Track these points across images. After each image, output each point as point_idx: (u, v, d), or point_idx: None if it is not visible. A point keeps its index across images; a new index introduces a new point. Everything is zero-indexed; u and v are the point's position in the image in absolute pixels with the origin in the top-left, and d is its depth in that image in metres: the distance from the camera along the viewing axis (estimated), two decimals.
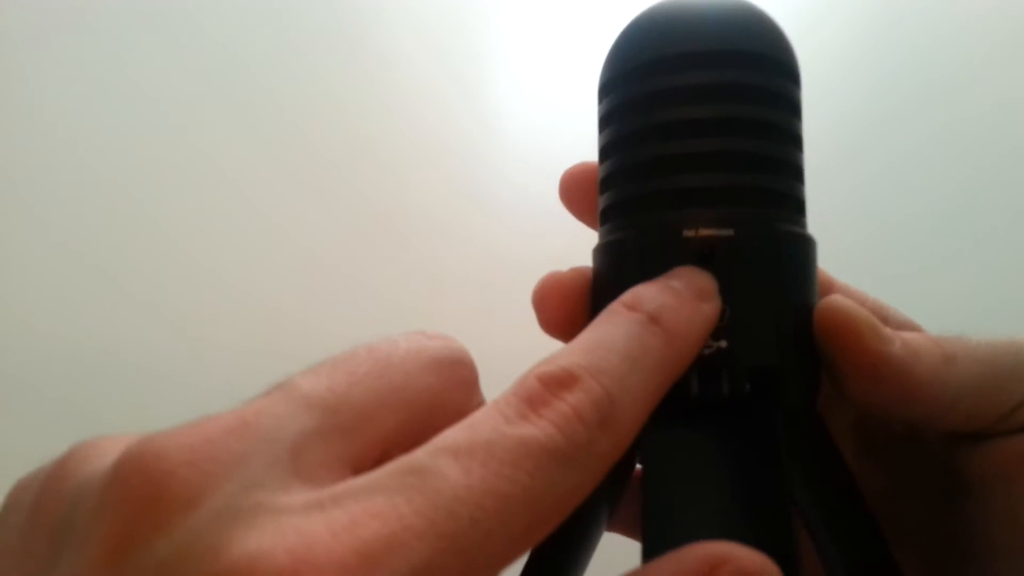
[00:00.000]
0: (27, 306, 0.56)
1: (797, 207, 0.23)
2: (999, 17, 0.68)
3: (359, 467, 0.16)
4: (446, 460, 0.15)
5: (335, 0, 0.67)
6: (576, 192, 0.27)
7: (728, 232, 0.22)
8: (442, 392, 0.18)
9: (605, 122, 0.24)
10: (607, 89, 0.24)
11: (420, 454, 0.15)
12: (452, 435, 0.16)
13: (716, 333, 0.21)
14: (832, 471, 0.23)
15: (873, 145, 0.70)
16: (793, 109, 0.24)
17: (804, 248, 0.23)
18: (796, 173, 0.23)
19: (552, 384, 0.17)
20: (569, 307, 0.24)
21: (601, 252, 0.24)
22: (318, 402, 0.16)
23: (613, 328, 0.19)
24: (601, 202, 0.24)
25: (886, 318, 0.27)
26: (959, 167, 0.69)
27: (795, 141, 0.24)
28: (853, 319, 0.22)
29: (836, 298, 0.22)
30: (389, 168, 0.63)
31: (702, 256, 0.22)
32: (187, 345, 0.57)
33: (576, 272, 0.24)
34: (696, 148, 0.22)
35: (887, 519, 0.26)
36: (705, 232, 0.22)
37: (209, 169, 0.62)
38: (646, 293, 0.20)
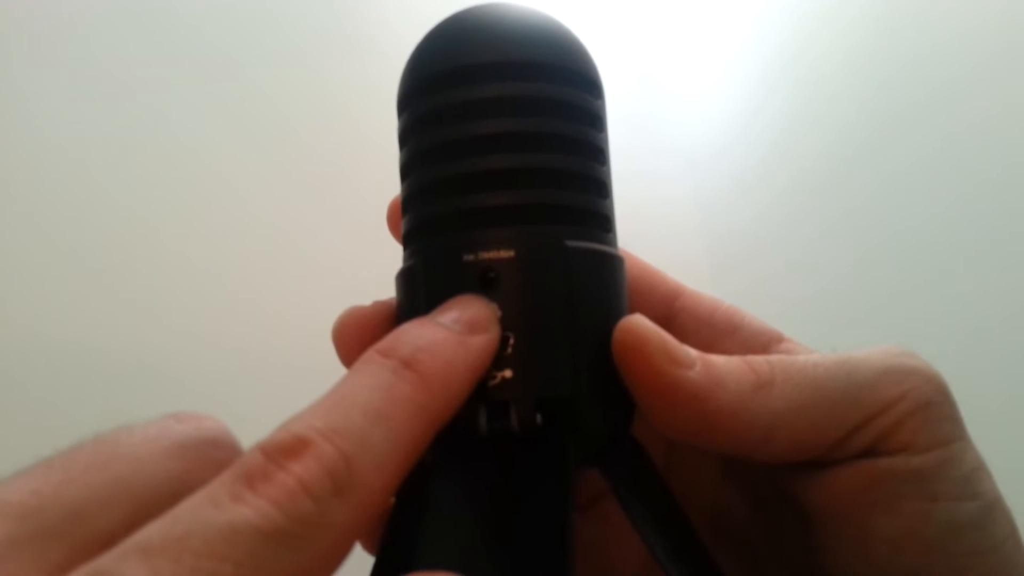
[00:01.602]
0: (19, 307, 0.56)
1: (597, 223, 0.22)
2: (1002, 23, 0.68)
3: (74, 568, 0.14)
4: (132, 562, 0.14)
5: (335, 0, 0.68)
6: (397, 223, 0.25)
7: (509, 253, 0.20)
8: (187, 477, 0.16)
9: (399, 142, 0.23)
10: (398, 108, 0.23)
11: (107, 557, 0.14)
12: (147, 531, 0.14)
13: (500, 362, 0.20)
14: (648, 498, 0.22)
15: (878, 152, 0.70)
16: (588, 120, 0.22)
17: (603, 266, 0.22)
18: (594, 186, 0.22)
19: (277, 454, 0.15)
20: (366, 343, 0.21)
21: (397, 281, 0.23)
22: (17, 508, 0.15)
23: (361, 379, 0.17)
24: (402, 226, 0.23)
25: (737, 327, 0.26)
26: (964, 173, 0.68)
27: (592, 153, 0.22)
28: (643, 341, 0.20)
29: (629, 319, 0.21)
30: (387, 167, 0.63)
31: (486, 280, 0.20)
32: (185, 343, 0.57)
33: (377, 306, 0.23)
34: (473, 166, 0.21)
35: (751, 546, 0.26)
36: (485, 255, 0.21)
37: (211, 174, 0.62)
38: (404, 335, 0.19)
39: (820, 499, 0.22)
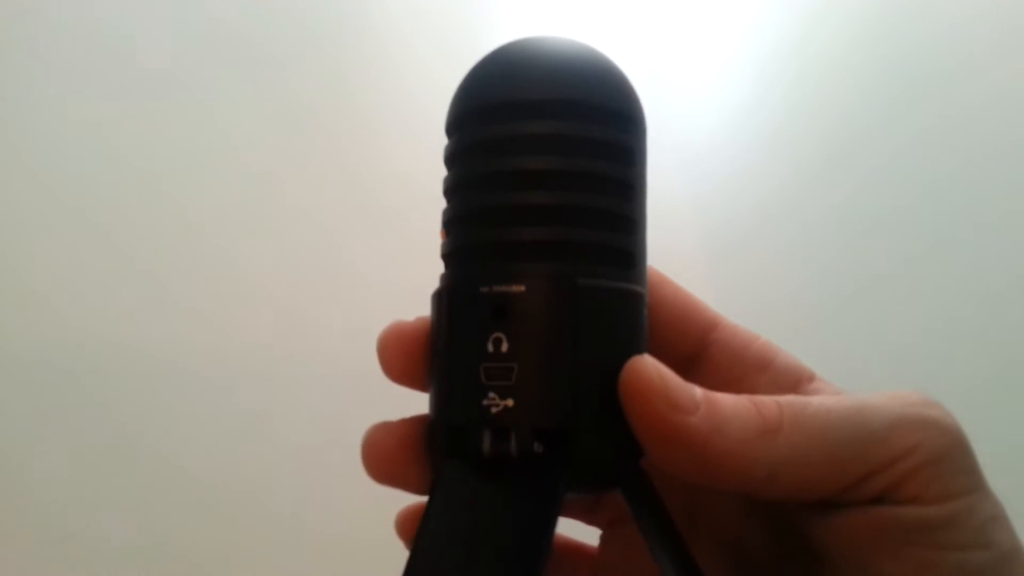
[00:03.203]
0: (67, 308, 0.56)
1: (617, 259, 0.22)
2: (999, 11, 0.68)
3: None
4: None
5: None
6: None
7: (520, 288, 0.21)
8: None
9: (445, 163, 0.24)
10: (445, 131, 0.24)
11: None
12: None
13: (504, 391, 0.21)
14: (653, 529, 0.23)
15: (873, 144, 0.71)
16: (617, 155, 0.23)
17: (615, 303, 0.22)
18: (616, 223, 0.22)
19: None
20: (409, 356, 0.23)
21: (432, 301, 0.24)
22: None
23: None
24: (441, 247, 0.24)
25: (769, 363, 0.26)
26: (960, 165, 0.69)
27: (618, 190, 0.22)
28: (645, 384, 0.21)
29: (634, 361, 0.21)
30: (393, 160, 0.63)
31: (496, 312, 0.21)
32: (206, 341, 0.57)
33: (420, 321, 0.24)
34: (496, 201, 0.22)
35: None
36: (498, 288, 0.22)
37: (225, 171, 0.62)
38: None
39: (827, 539, 0.22)
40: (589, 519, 0.29)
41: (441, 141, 0.24)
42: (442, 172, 0.24)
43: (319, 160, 0.63)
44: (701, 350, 0.26)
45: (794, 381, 0.25)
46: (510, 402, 0.21)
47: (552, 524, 0.21)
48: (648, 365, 0.21)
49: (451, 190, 0.23)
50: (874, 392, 0.22)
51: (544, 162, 0.22)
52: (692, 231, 0.73)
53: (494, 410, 0.21)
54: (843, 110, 0.71)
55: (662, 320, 0.26)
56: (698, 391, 0.21)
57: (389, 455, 0.23)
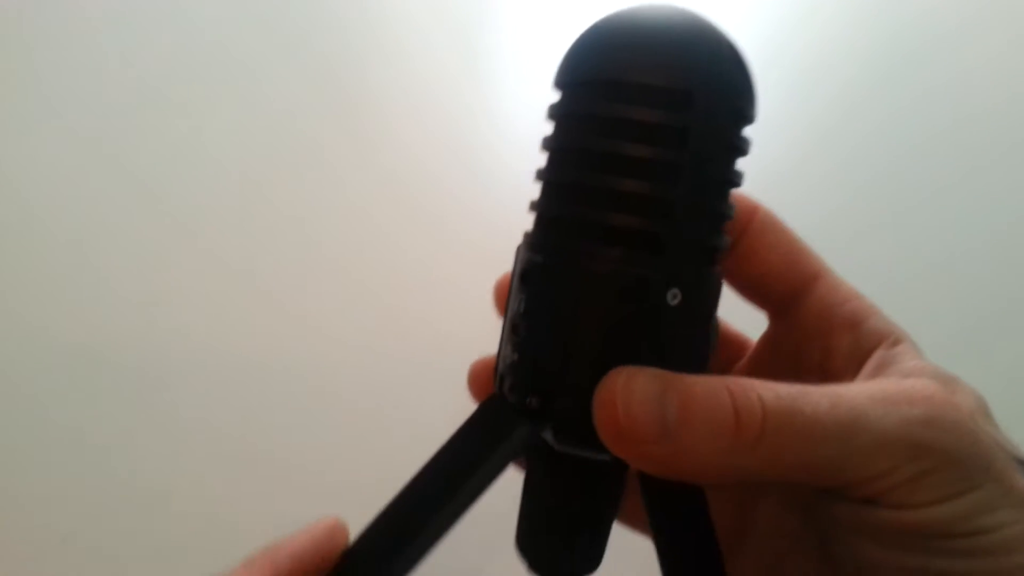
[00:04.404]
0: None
1: (647, 244, 0.21)
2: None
3: None
4: None
5: None
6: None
7: (539, 259, 0.22)
8: None
9: (548, 114, 0.24)
10: (555, 82, 0.24)
11: None
12: None
13: (516, 346, 0.23)
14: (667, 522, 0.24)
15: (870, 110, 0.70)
16: (732, 155, 0.22)
17: (624, 295, 0.22)
18: (674, 211, 0.21)
19: None
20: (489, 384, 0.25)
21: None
22: None
23: None
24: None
25: (858, 324, 0.26)
26: (969, 122, 0.68)
27: (669, 175, 0.21)
28: (610, 407, 0.21)
29: (612, 377, 0.21)
30: (402, 154, 0.63)
31: (523, 276, 0.23)
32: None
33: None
34: (552, 176, 0.23)
35: (804, 561, 0.25)
36: (530, 256, 0.23)
37: (222, 169, 0.62)
38: None
39: (826, 528, 0.22)
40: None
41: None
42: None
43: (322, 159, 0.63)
44: (799, 298, 0.27)
45: (874, 344, 0.25)
46: (516, 356, 0.23)
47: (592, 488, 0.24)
48: (618, 388, 0.21)
49: (553, 149, 0.23)
50: (888, 386, 0.21)
51: (652, 152, 0.21)
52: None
53: (508, 360, 0.23)
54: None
55: (764, 265, 0.26)
56: (670, 410, 0.20)
57: (485, 385, 0.27)
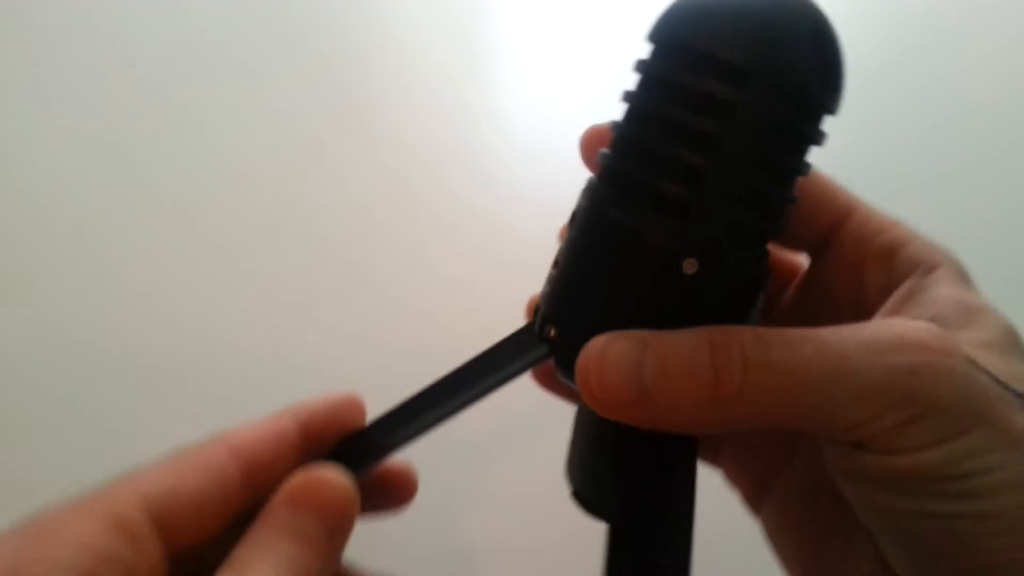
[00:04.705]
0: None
1: (673, 208, 0.21)
2: None
3: None
4: None
5: None
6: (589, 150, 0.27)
7: (580, 203, 0.24)
8: None
9: (635, 67, 0.24)
10: (648, 36, 0.23)
11: None
12: None
13: (548, 282, 0.25)
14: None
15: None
16: (732, 118, 0.21)
17: (633, 252, 0.22)
18: (680, 173, 0.21)
19: None
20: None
21: None
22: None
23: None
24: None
25: (893, 252, 0.25)
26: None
27: (708, 148, 0.21)
28: (584, 372, 0.21)
29: (594, 344, 0.21)
30: (401, 150, 0.63)
31: (570, 217, 0.24)
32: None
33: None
34: (620, 132, 0.23)
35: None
36: (580, 203, 0.24)
37: (224, 168, 0.62)
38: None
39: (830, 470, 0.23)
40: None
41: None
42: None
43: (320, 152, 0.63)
44: (832, 236, 0.26)
45: (909, 271, 0.24)
46: (547, 288, 0.25)
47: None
48: (593, 356, 0.21)
49: (628, 107, 0.23)
50: (881, 331, 0.21)
51: (693, 121, 0.21)
52: None
53: (543, 291, 0.25)
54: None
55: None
56: (648, 373, 0.20)
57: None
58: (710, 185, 0.21)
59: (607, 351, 0.21)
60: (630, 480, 0.25)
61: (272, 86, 0.65)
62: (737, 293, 0.22)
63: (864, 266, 0.26)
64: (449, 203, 0.60)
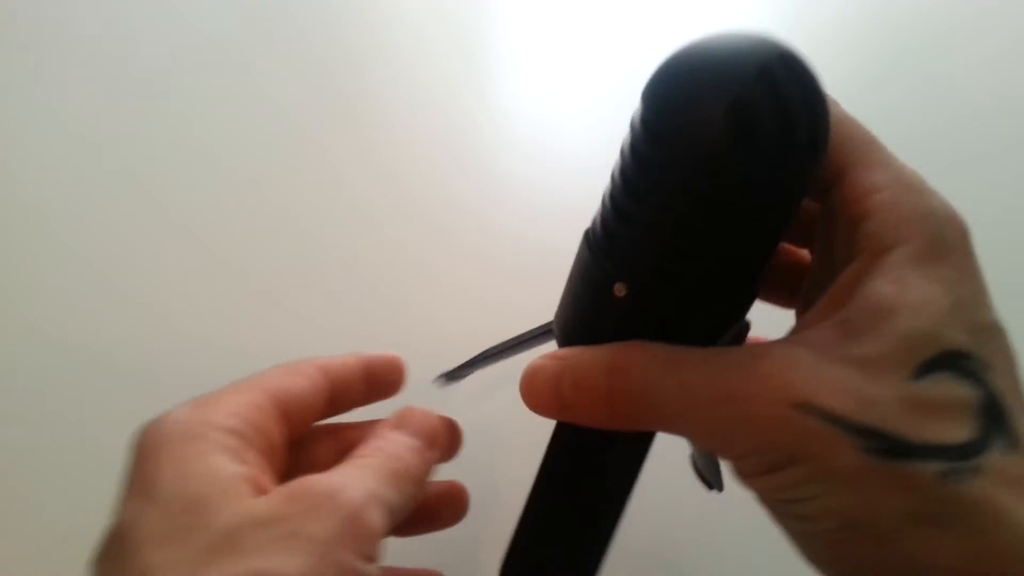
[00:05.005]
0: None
1: (609, 237, 0.25)
2: None
3: None
4: None
5: None
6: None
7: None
8: None
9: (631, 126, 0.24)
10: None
11: None
12: None
13: None
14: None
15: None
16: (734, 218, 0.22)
17: (587, 274, 0.26)
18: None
19: None
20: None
21: None
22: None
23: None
24: None
25: (861, 218, 0.23)
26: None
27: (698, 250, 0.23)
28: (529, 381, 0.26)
29: (529, 365, 0.26)
30: (402, 154, 0.63)
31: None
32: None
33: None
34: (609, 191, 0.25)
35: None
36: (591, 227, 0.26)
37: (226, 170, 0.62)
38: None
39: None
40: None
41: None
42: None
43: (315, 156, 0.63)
44: (832, 188, 0.24)
45: (862, 251, 0.22)
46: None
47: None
48: (525, 376, 0.26)
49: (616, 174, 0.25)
50: (731, 372, 0.23)
51: (623, 167, 0.24)
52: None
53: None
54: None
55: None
56: (566, 390, 0.25)
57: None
58: (634, 227, 0.24)
59: (536, 374, 0.26)
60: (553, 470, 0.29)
61: (270, 86, 0.65)
62: (673, 322, 0.24)
63: (834, 238, 0.24)
64: (447, 204, 0.60)
